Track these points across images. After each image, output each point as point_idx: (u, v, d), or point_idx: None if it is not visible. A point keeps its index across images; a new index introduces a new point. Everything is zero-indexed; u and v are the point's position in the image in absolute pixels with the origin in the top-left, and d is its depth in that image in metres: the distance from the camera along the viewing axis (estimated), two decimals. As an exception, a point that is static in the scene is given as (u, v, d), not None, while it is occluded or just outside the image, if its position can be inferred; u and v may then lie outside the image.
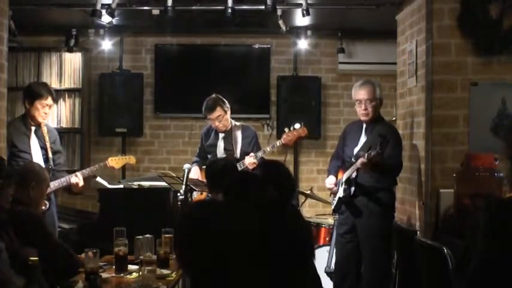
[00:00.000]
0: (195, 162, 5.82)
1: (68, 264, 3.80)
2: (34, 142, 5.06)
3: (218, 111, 5.64)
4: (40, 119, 5.09)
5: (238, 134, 5.73)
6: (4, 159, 4.10)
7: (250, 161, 5.44)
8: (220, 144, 5.74)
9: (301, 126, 5.70)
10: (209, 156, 5.76)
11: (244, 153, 5.63)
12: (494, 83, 4.82)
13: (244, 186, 3.28)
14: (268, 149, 5.65)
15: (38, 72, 7.23)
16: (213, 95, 5.77)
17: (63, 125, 7.28)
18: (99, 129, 7.48)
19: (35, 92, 5.11)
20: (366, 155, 4.70)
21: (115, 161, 5.39)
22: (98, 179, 6.08)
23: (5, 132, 4.85)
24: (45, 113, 5.09)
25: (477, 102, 4.81)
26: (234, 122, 5.80)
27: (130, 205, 5.66)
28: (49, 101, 5.07)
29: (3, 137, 4.82)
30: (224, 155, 5.65)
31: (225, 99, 5.72)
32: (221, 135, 5.75)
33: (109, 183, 6.09)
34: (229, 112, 5.72)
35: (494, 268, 2.57)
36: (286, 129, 5.74)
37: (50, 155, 5.08)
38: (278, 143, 5.73)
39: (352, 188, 4.94)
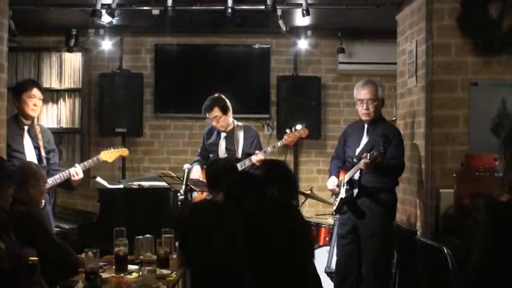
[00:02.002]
0: (196, 161, 5.82)
1: (68, 264, 3.80)
2: (27, 142, 5.06)
3: (215, 112, 5.64)
4: (31, 113, 5.07)
5: (240, 134, 5.72)
6: (5, 159, 4.10)
7: (257, 158, 5.43)
8: (222, 144, 5.74)
9: (302, 127, 5.71)
10: (211, 155, 5.76)
11: (245, 154, 5.63)
12: (494, 83, 4.81)
13: (244, 187, 3.28)
14: (269, 149, 5.66)
15: (38, 72, 7.24)
16: (215, 95, 5.76)
17: (63, 125, 7.28)
18: (99, 129, 7.48)
19: (19, 86, 5.17)
20: (369, 155, 4.70)
21: (108, 155, 5.38)
22: (98, 179, 6.09)
23: (5, 133, 4.85)
24: (35, 105, 5.07)
25: (477, 102, 4.81)
26: (236, 122, 5.80)
27: (130, 205, 5.66)
28: (35, 91, 5.07)
29: (3, 137, 4.82)
30: (226, 155, 5.65)
31: (226, 100, 5.70)
32: (223, 134, 5.74)
33: (109, 183, 6.09)
34: (230, 113, 5.70)
35: (494, 269, 2.57)
36: (288, 130, 5.75)
37: (43, 154, 5.08)
38: (279, 143, 5.73)
39: (355, 190, 4.94)
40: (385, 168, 4.84)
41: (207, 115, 5.68)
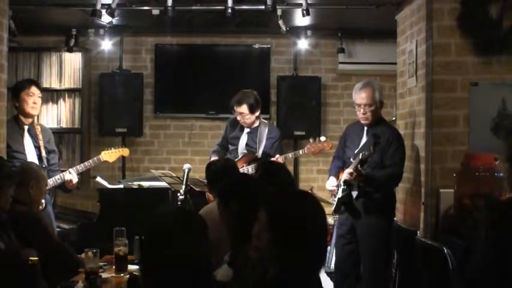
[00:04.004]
0: (215, 151, 5.79)
1: (68, 265, 3.80)
2: (28, 141, 5.06)
3: (242, 108, 5.58)
4: (32, 111, 5.08)
5: (264, 133, 5.66)
6: (5, 159, 4.11)
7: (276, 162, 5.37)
8: (243, 139, 5.69)
9: (326, 140, 5.69)
10: (231, 147, 5.72)
11: (265, 154, 5.57)
12: (494, 83, 4.81)
13: (239, 188, 3.26)
14: (290, 155, 5.64)
15: (38, 72, 7.24)
16: (248, 90, 5.72)
17: (63, 125, 7.28)
18: (99, 129, 7.48)
19: (18, 86, 5.18)
20: (361, 154, 4.71)
21: (109, 155, 5.37)
22: (98, 179, 6.09)
23: (5, 132, 4.85)
24: (35, 103, 5.08)
25: (477, 102, 4.81)
26: (262, 120, 5.76)
27: (131, 205, 5.66)
28: (34, 89, 5.08)
29: (3, 137, 4.82)
30: (245, 151, 5.62)
31: (257, 99, 5.63)
32: (246, 129, 5.69)
33: (109, 183, 6.09)
34: (257, 113, 5.63)
35: (495, 268, 2.57)
36: (311, 140, 5.71)
37: (44, 154, 5.07)
38: (301, 151, 5.71)
39: (354, 193, 4.91)
40: (375, 180, 4.81)
41: (234, 108, 5.66)
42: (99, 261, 3.70)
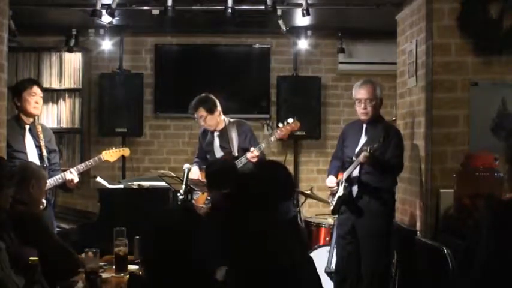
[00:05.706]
0: (194, 162, 5.80)
1: (68, 265, 3.79)
2: (29, 141, 5.06)
3: (200, 112, 5.58)
4: (34, 111, 5.08)
5: (233, 131, 5.66)
6: (5, 159, 4.11)
7: (251, 155, 5.37)
8: (216, 142, 5.69)
9: (294, 121, 5.65)
10: (208, 156, 5.72)
11: (242, 150, 5.56)
12: (494, 83, 4.82)
13: (244, 189, 3.26)
14: (263, 144, 5.55)
15: (38, 72, 7.24)
16: (202, 94, 5.70)
17: (63, 125, 7.28)
18: (99, 129, 7.48)
19: (19, 86, 5.17)
20: (368, 148, 4.71)
21: (109, 154, 5.37)
22: (98, 178, 6.09)
23: (5, 132, 4.85)
24: (37, 103, 5.07)
25: (477, 102, 4.81)
26: (228, 120, 5.76)
27: (131, 205, 5.66)
28: (35, 89, 5.08)
29: (3, 137, 4.82)
30: (222, 153, 5.62)
31: (213, 100, 5.62)
32: (216, 133, 5.70)
33: (109, 183, 6.09)
34: (217, 113, 5.61)
35: (497, 268, 2.57)
36: (280, 124, 5.69)
37: (45, 153, 5.07)
38: (272, 138, 5.63)
39: (355, 187, 4.93)
40: (383, 164, 4.84)
41: (194, 115, 5.66)
42: (99, 261, 3.70)
